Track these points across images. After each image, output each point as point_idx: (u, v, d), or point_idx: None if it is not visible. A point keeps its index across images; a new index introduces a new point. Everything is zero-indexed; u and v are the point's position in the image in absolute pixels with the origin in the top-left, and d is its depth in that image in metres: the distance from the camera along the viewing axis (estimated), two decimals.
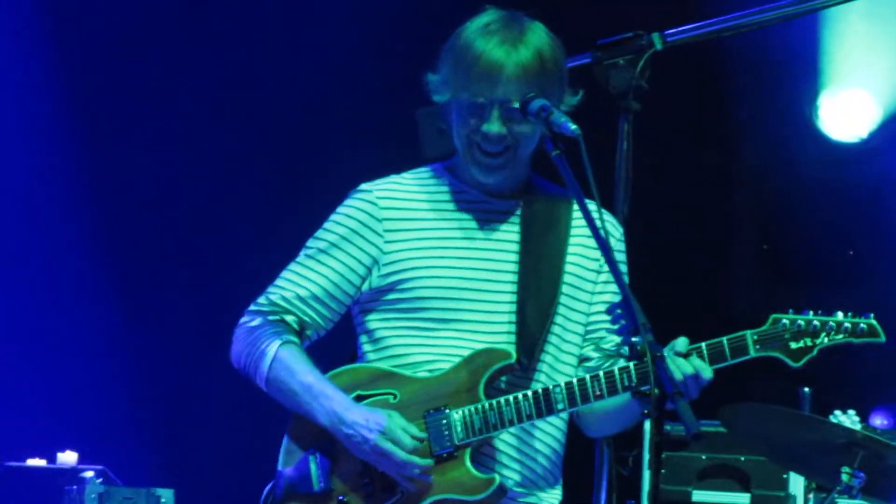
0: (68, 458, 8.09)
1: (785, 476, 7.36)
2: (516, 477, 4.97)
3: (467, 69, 4.92)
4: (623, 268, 5.04)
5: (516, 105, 4.84)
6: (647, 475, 5.69)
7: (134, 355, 9.71)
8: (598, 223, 4.59)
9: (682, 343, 4.79)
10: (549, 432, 5.09)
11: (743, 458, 7.55)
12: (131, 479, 8.17)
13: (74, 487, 7.82)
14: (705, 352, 4.85)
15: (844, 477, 6.00)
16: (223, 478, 8.74)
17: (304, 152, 10.04)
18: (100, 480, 7.84)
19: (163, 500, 7.93)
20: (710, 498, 7.52)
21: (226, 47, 10.48)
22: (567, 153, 4.60)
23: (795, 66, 9.89)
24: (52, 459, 8.19)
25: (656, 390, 4.29)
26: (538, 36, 4.98)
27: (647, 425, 5.99)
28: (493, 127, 4.90)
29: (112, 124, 10.23)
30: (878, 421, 7.59)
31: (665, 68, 6.17)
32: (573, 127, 4.60)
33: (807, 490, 7.30)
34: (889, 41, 9.70)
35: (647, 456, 4.92)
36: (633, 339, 4.42)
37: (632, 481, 7.11)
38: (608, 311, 4.69)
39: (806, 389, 7.56)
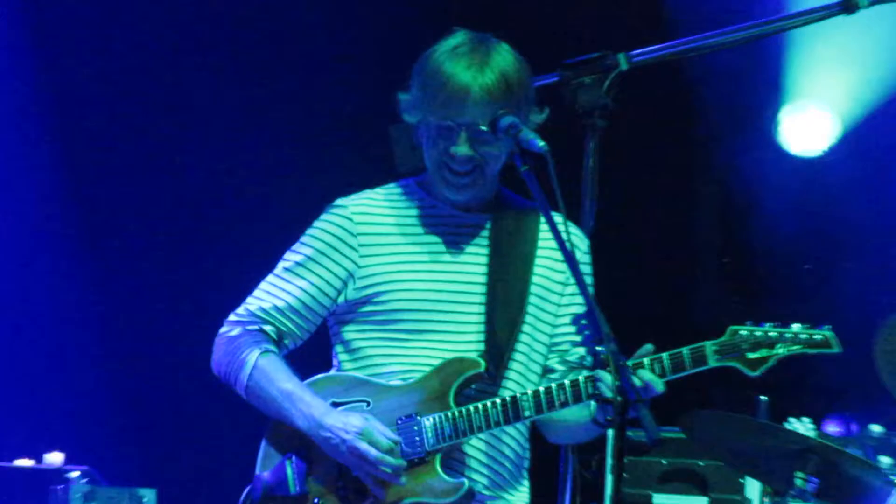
0: (54, 458, 8.04)
1: (741, 480, 7.44)
2: (485, 480, 5.06)
3: (435, 93, 5.06)
4: (589, 279, 5.22)
5: (483, 127, 4.96)
6: (609, 479, 5.77)
7: (117, 359, 9.73)
8: (565, 236, 4.68)
9: (646, 350, 4.90)
10: (515, 437, 5.18)
11: (701, 463, 7.65)
12: (115, 479, 8.14)
13: (60, 487, 7.85)
14: (666, 362, 4.92)
15: (798, 482, 6.08)
16: (203, 478, 8.71)
17: (286, 161, 9.96)
18: (85, 480, 7.84)
19: (145, 499, 7.95)
20: (670, 501, 7.60)
21: (220, 45, 10.35)
22: (535, 169, 4.72)
23: (757, 81, 9.90)
24: (38, 460, 8.15)
25: (619, 398, 4.36)
26: (503, 58, 5.10)
27: (610, 431, 6.05)
28: (461, 149, 5.00)
29: (94, 122, 10.12)
30: (832, 428, 7.61)
31: (631, 86, 6.17)
32: (541, 143, 4.70)
33: (762, 494, 7.37)
34: (846, 59, 9.56)
35: (609, 460, 5.08)
36: (598, 348, 4.50)
37: (595, 484, 7.05)
38: (573, 322, 4.86)
39: (763, 398, 7.59)
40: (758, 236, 9.70)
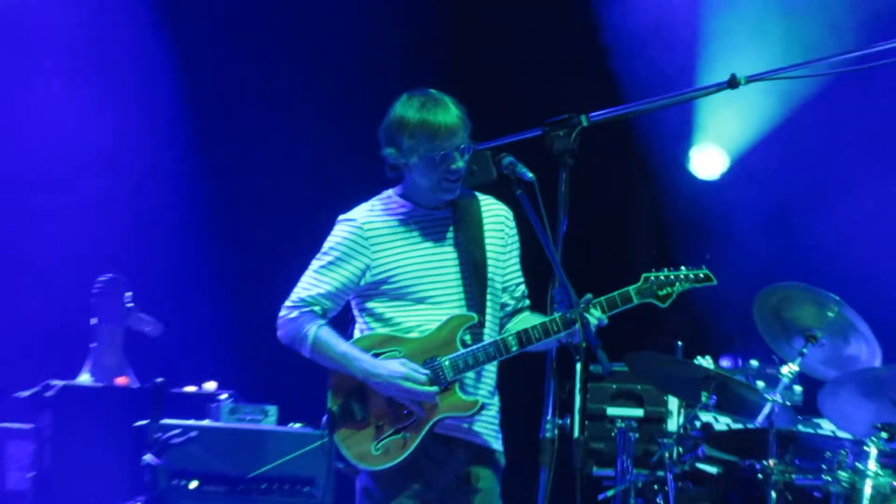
0: (210, 385, 8.10)
1: (666, 398, 7.59)
2: (480, 394, 5.17)
3: (429, 136, 5.04)
4: (517, 244, 5.37)
5: (464, 145, 5.07)
6: (577, 398, 5.70)
7: (248, 315, 9.15)
8: (546, 229, 4.96)
9: (587, 298, 4.87)
10: (493, 366, 5.26)
11: (639, 387, 7.71)
12: (251, 399, 8.08)
13: (213, 405, 7.84)
14: (604, 302, 5.03)
15: (703, 398, 6.31)
16: (308, 397, 8.91)
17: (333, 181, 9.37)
18: (231, 400, 7.85)
19: (269, 413, 7.84)
20: (618, 412, 7.63)
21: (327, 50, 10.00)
22: (526, 192, 4.73)
23: (674, 127, 9.55)
24: (199, 387, 8.20)
25: (584, 343, 4.57)
26: (451, 101, 5.14)
27: (578, 366, 6.11)
28: (459, 164, 5.05)
29: (222, 124, 9.91)
30: (725, 363, 7.62)
31: (590, 135, 6.67)
32: (530, 175, 4.72)
33: (679, 407, 7.48)
34: (736, 107, 9.51)
35: (577, 385, 5.16)
36: (569, 312, 4.74)
37: (568, 402, 7.01)
38: (553, 293, 4.81)
39: (679, 343, 7.65)
40: (674, 236, 9.63)
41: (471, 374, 5.21)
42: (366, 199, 5.60)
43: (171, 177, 9.93)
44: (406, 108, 5.16)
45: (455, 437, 5.12)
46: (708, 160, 9.75)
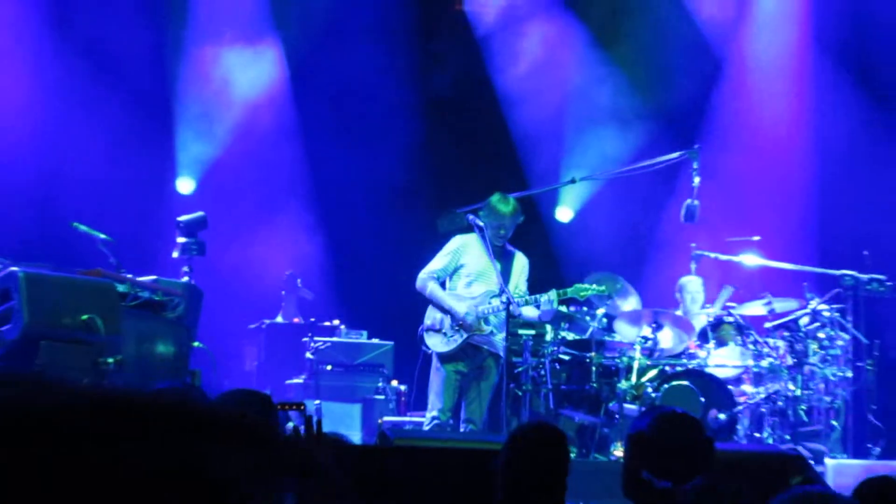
0: (336, 321, 9.53)
1: (545, 326, 8.09)
2: (492, 328, 7.12)
3: (500, 216, 7.06)
4: (527, 273, 7.25)
5: (509, 225, 7.05)
6: (506, 334, 7.45)
7: (357, 284, 10.19)
8: (524, 259, 7.14)
9: (549, 292, 6.99)
10: (501, 319, 7.02)
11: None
12: (353, 327, 9.39)
13: (338, 329, 9.32)
14: (555, 295, 7.07)
15: (562, 325, 8.10)
16: (382, 328, 9.44)
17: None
18: (345, 327, 9.40)
19: (363, 334, 9.28)
20: (523, 332, 7.94)
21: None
22: (480, 231, 7.23)
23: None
24: (331, 321, 9.54)
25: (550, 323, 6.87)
26: (513, 202, 7.09)
27: (548, 326, 7.95)
28: (509, 232, 7.12)
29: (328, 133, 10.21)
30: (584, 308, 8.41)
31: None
32: (480, 224, 6.99)
33: (551, 329, 8.24)
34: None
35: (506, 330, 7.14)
36: (541, 299, 7.02)
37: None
38: (530, 294, 6.92)
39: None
40: (552, 263, 10.02)
41: (492, 319, 7.09)
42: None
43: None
44: (494, 199, 7.05)
45: (480, 345, 7.17)
46: (566, 205, 10.70)
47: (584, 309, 8.19)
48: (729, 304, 8.17)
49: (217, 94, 9.89)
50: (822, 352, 7.82)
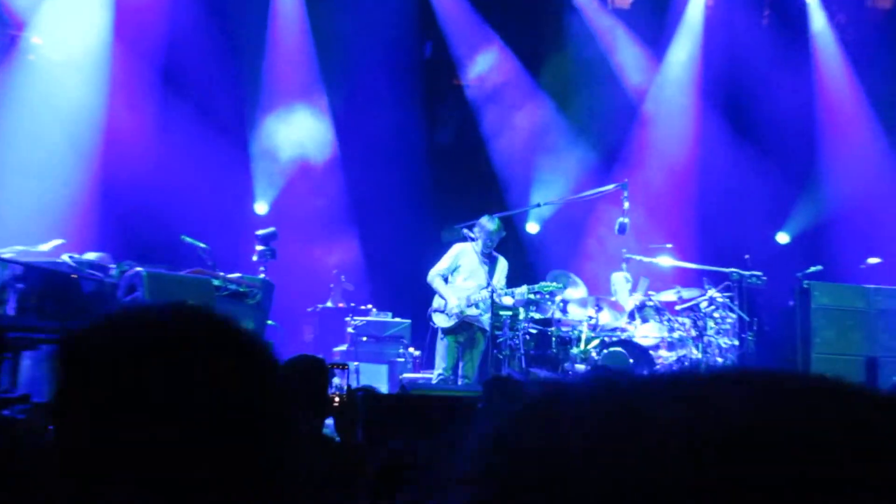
0: (369, 306, 9.18)
1: (517, 309, 7.64)
2: (480, 311, 6.86)
3: (488, 232, 6.86)
4: (506, 272, 6.94)
5: (496, 239, 6.79)
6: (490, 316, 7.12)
7: (386, 276, 9.82)
8: (505, 261, 6.86)
9: (522, 287, 6.66)
10: (487, 305, 6.76)
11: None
12: (382, 308, 9.16)
13: (370, 310, 8.91)
14: (525, 288, 6.69)
15: (531, 308, 7.86)
16: (403, 309, 8.98)
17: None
18: (375, 308, 9.09)
19: (404, 324, 8.75)
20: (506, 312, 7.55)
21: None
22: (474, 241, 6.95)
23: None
24: (366, 305, 9.19)
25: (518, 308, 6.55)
26: (497, 221, 6.84)
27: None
28: (494, 243, 6.87)
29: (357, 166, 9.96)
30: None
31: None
32: (472, 237, 6.65)
33: (524, 310, 7.74)
34: None
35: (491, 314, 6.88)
36: (516, 291, 6.77)
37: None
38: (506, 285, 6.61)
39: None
40: (524, 264, 9.43)
41: (481, 304, 6.88)
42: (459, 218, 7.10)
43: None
44: (484, 221, 6.89)
45: (472, 323, 7.02)
46: (532, 228, 10.43)
47: (547, 296, 7.95)
48: (650, 292, 8.00)
49: (284, 137, 9.73)
50: (717, 326, 7.77)
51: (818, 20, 9.75)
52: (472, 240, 6.94)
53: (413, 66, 9.87)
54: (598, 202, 8.81)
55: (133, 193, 8.47)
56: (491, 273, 6.91)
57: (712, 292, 7.83)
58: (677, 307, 7.94)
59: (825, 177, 9.67)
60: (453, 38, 9.82)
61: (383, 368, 8.33)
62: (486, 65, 9.86)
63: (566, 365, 7.49)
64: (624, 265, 8.19)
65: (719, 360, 7.67)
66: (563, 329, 7.83)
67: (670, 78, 10.07)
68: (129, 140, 8.62)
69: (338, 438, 2.99)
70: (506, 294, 6.96)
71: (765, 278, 7.83)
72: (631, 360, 7.25)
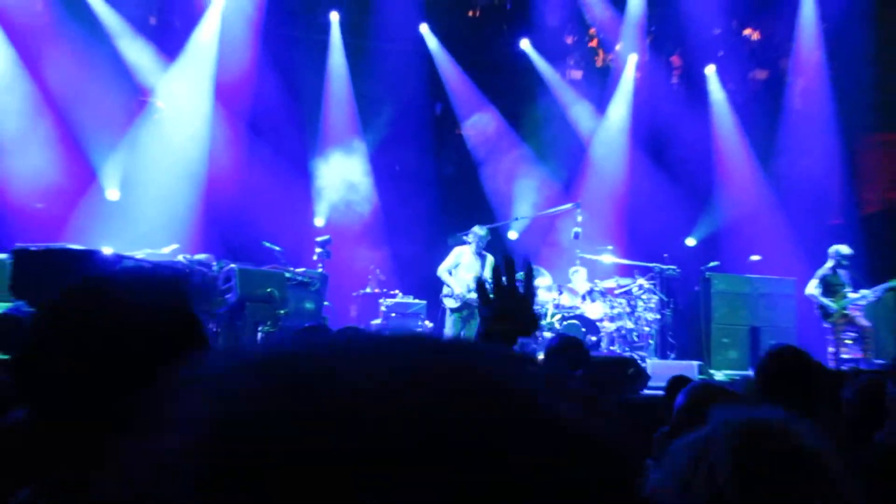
0: (396, 291, 8.27)
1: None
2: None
3: (480, 237, 6.50)
4: (491, 264, 6.20)
5: (484, 244, 6.35)
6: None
7: (409, 270, 8.97)
8: (491, 259, 6.33)
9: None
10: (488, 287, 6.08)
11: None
12: (406, 292, 8.40)
13: (397, 294, 8.18)
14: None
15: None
16: (434, 296, 7.63)
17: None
18: (400, 292, 8.32)
19: (422, 304, 8.10)
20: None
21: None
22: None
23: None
24: (397, 289, 8.33)
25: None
26: (487, 230, 6.39)
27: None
28: (485, 245, 6.47)
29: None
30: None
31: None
32: (469, 242, 6.32)
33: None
34: None
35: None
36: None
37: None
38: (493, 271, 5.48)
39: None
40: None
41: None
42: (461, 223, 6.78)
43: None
44: (476, 229, 6.60)
45: (471, 303, 6.54)
46: (512, 235, 9.76)
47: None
48: (596, 280, 7.72)
49: (334, 170, 9.35)
50: (644, 305, 7.56)
51: (714, 86, 9.92)
52: (469, 243, 6.74)
53: (427, 120, 9.84)
54: (558, 216, 8.60)
55: (228, 210, 8.33)
56: (482, 267, 6.69)
57: (641, 280, 7.68)
58: (616, 291, 7.73)
59: (720, 196, 9.63)
60: (456, 100, 9.81)
61: None
62: (479, 119, 9.83)
63: (536, 333, 6.96)
64: (578, 261, 7.91)
65: (646, 329, 7.50)
66: (535, 308, 7.76)
67: (610, 127, 10.04)
68: (226, 172, 8.55)
69: None
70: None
71: (679, 270, 7.72)
72: (583, 329, 7.02)
